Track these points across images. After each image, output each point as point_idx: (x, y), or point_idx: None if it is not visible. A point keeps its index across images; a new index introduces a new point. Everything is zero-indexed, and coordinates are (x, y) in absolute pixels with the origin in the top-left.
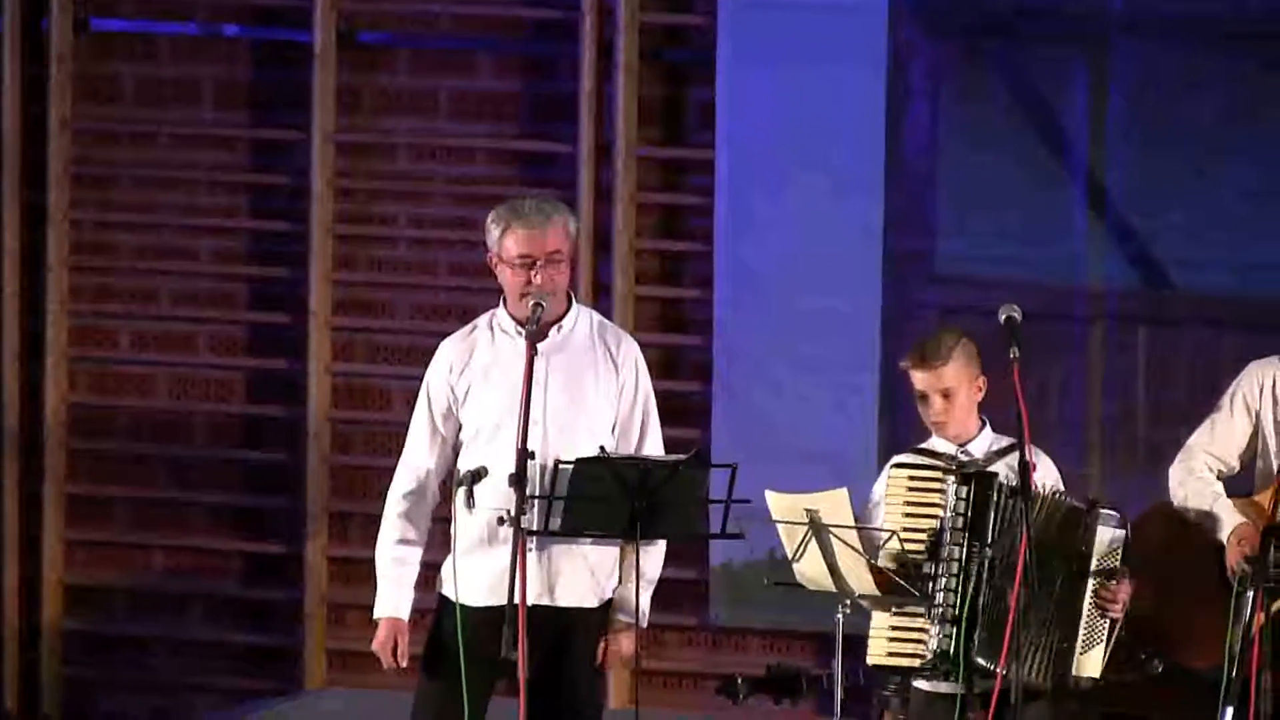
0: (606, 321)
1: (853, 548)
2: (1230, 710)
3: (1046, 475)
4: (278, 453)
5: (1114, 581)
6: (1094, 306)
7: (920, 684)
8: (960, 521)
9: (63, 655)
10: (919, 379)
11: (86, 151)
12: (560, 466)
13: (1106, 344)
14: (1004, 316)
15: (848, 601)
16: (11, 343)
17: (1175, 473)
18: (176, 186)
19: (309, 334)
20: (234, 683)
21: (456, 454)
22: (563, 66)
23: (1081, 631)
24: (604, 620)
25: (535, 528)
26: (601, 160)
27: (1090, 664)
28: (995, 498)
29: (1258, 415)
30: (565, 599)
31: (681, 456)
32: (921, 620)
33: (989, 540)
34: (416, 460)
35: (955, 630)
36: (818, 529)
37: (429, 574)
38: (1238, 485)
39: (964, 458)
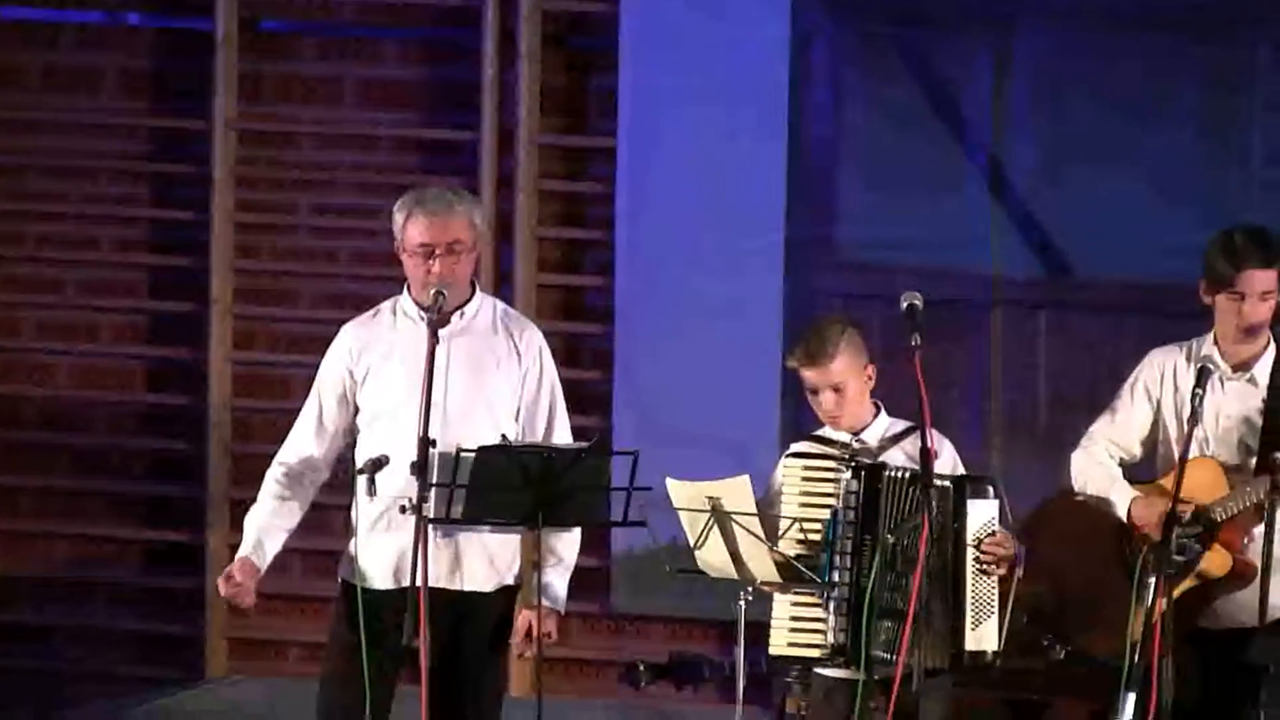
0: (510, 310)
1: (754, 535)
2: (1132, 697)
3: (946, 460)
4: (179, 441)
5: (993, 540)
6: (996, 293)
7: (821, 671)
8: (851, 514)
9: None
10: (807, 376)
11: None
12: (462, 454)
13: (1008, 330)
14: (905, 303)
15: (750, 589)
16: None
17: (1076, 459)
18: (79, 175)
19: (210, 322)
20: (137, 671)
21: (351, 440)
22: (465, 54)
23: (969, 606)
24: (504, 607)
25: (436, 516)
26: (504, 148)
27: (987, 637)
28: (886, 489)
29: (1159, 403)
30: (465, 583)
31: (583, 444)
32: (820, 610)
33: (882, 531)
34: (301, 442)
35: (850, 622)
36: (719, 516)
37: (330, 562)
38: (1140, 473)
39: (858, 445)
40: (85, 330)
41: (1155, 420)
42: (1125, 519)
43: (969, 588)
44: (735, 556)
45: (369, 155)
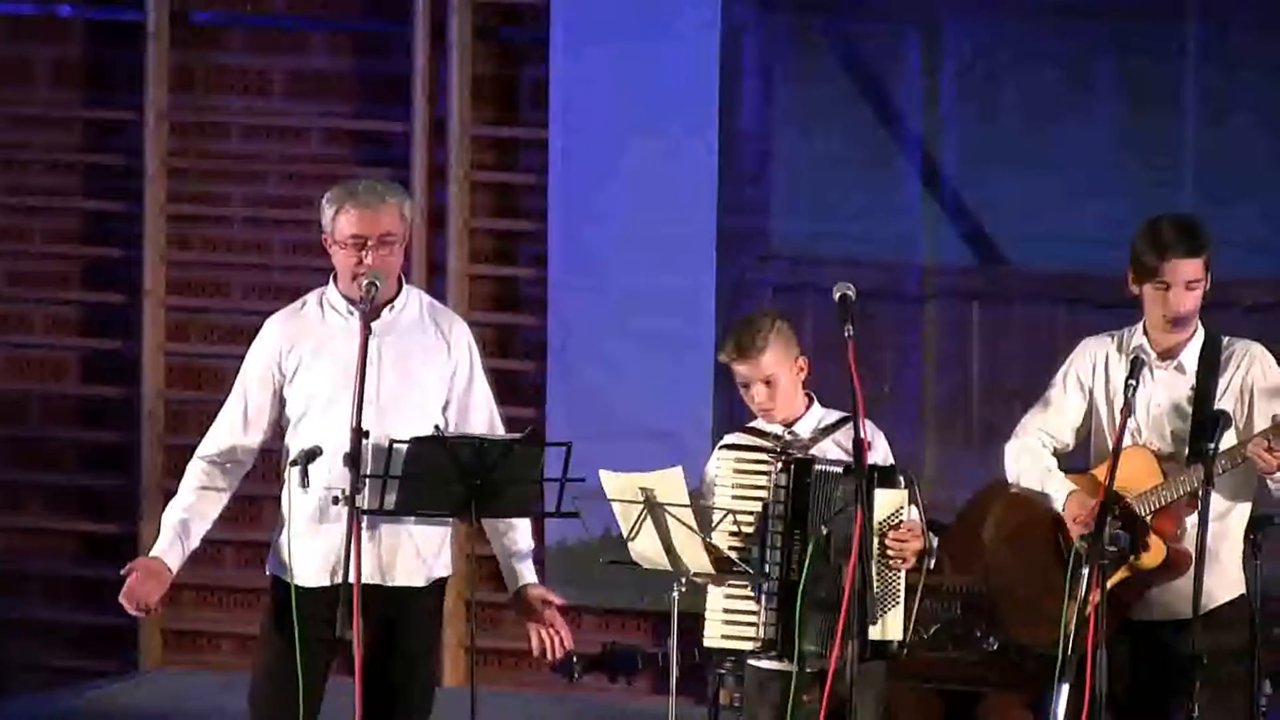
0: (437, 303)
1: (688, 526)
2: (1065, 687)
3: (879, 451)
4: (112, 433)
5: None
6: (927, 283)
7: (754, 662)
8: (780, 509)
9: None
10: (738, 370)
11: None
12: (395, 446)
13: (940, 320)
14: (838, 294)
15: (683, 580)
16: None
17: (1010, 449)
18: (10, 167)
19: (143, 314)
20: (71, 662)
21: (280, 432)
22: (396, 45)
23: (873, 596)
24: (436, 600)
25: (370, 507)
26: (436, 139)
27: (891, 627)
28: (815, 482)
29: (1091, 392)
30: (395, 579)
31: (516, 435)
32: (753, 603)
33: (812, 523)
34: (225, 435)
35: (780, 615)
36: (653, 508)
37: (263, 553)
38: (1074, 461)
39: (790, 438)
40: (18, 321)
41: (1088, 410)
42: (1061, 511)
43: (874, 575)
44: (668, 548)
45: (301, 147)
